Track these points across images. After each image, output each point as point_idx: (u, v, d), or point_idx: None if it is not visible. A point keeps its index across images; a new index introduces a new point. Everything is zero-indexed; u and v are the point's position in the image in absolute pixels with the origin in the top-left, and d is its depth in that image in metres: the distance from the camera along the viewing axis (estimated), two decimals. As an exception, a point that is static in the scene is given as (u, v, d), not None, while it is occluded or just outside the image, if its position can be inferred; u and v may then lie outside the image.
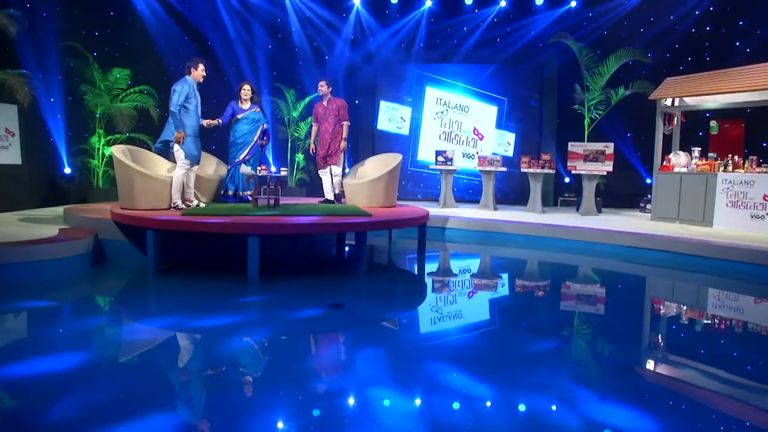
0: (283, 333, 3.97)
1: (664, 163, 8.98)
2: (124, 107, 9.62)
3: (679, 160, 8.83)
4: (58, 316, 4.35)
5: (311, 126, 7.89)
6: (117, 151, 6.26)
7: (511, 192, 11.94)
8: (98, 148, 9.64)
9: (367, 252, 5.75)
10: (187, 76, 6.28)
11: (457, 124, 12.32)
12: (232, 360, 3.39)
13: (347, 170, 8.06)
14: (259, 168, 6.52)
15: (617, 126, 11.29)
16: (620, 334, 4.28)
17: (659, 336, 4.31)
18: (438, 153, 10.38)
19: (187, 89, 6.18)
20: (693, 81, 8.86)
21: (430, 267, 6.75)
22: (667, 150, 9.24)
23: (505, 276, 6.57)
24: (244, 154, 7.00)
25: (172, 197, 6.27)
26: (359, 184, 7.46)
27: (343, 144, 7.49)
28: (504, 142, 12.29)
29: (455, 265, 7.19)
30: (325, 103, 7.49)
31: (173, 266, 5.78)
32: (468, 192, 12.25)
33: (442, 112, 12.32)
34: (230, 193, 7.08)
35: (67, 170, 9.60)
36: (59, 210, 7.80)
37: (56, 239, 5.61)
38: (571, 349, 3.87)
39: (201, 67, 6.37)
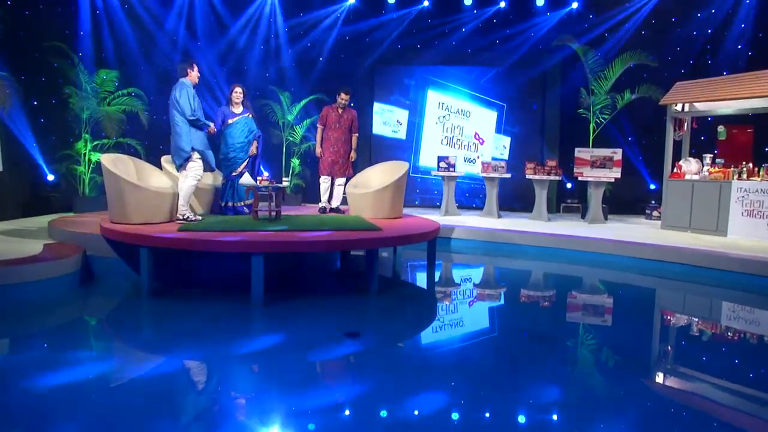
0: (299, 371, 3.55)
1: (674, 170, 8.73)
2: (111, 111, 9.12)
3: (690, 167, 8.58)
4: (44, 348, 3.92)
5: (314, 126, 7.67)
6: (106, 160, 5.79)
7: (508, 195, 11.60)
8: (84, 154, 9.15)
9: (377, 269, 5.35)
10: (183, 79, 5.83)
11: (459, 129, 11.98)
12: (242, 404, 3.00)
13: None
14: (260, 178, 6.13)
15: (620, 130, 11.05)
16: (682, 367, 3.97)
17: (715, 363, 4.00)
18: (440, 159, 10.04)
19: (192, 92, 5.78)
20: (704, 86, 8.61)
21: (445, 284, 6.36)
22: (675, 156, 8.99)
23: (533, 294, 6.08)
24: (244, 164, 6.62)
25: (180, 209, 5.85)
26: (364, 194, 7.09)
27: (354, 155, 7.63)
28: (500, 146, 12.00)
29: (470, 282, 6.75)
30: (340, 111, 7.47)
31: (168, 285, 5.36)
32: (465, 196, 11.92)
33: (444, 117, 11.97)
34: (230, 204, 6.67)
35: (51, 177, 9.09)
36: (43, 221, 7.34)
37: (41, 258, 5.17)
38: (622, 385, 3.54)
39: (196, 67, 5.98)
